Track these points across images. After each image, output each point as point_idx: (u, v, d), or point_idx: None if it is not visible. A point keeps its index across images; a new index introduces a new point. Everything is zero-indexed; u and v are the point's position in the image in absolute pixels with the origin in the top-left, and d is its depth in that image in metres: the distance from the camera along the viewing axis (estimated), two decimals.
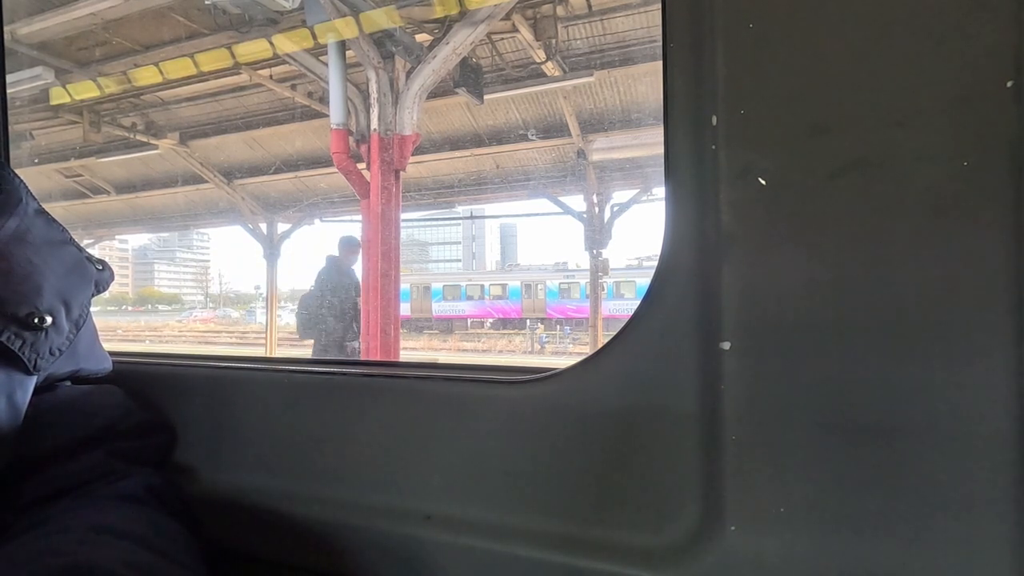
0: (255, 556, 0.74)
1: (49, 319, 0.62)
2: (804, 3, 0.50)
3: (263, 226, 11.81)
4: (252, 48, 6.65)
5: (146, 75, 7.38)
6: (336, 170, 6.44)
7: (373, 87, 6.08)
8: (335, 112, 6.17)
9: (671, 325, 0.55)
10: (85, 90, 7.74)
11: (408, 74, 6.01)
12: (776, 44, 0.51)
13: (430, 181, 10.56)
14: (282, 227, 12.01)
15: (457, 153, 9.39)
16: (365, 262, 6.30)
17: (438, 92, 7.03)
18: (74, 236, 0.70)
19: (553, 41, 6.63)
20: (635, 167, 9.58)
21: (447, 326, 20.10)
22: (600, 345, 0.63)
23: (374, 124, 6.05)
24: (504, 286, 20.39)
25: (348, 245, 6.37)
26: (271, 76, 7.81)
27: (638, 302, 0.58)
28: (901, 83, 0.47)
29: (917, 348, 0.47)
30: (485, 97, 7.37)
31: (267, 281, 12.59)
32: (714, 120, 0.53)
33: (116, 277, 0.75)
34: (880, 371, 0.48)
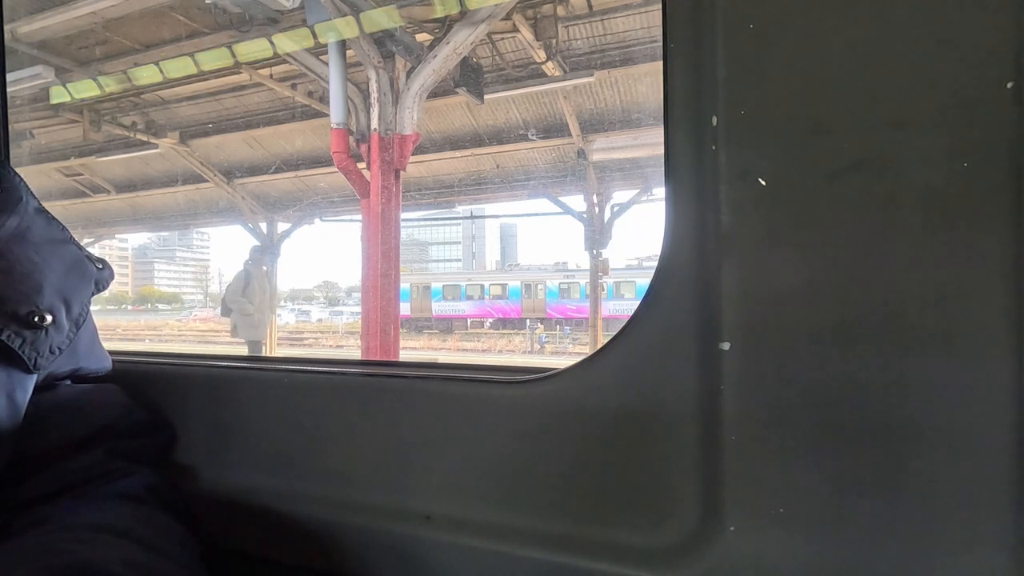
0: (254, 556, 0.74)
1: (49, 318, 0.62)
2: (804, 3, 0.50)
3: (263, 225, 11.81)
4: (252, 47, 6.65)
5: (146, 74, 7.38)
6: (336, 169, 6.45)
7: (373, 86, 6.08)
8: (335, 111, 6.18)
9: (671, 325, 0.55)
10: (85, 89, 7.74)
11: (408, 74, 6.01)
12: (776, 44, 0.51)
13: (430, 181, 10.56)
14: (282, 226, 12.02)
15: (457, 153, 9.39)
16: (365, 261, 6.30)
17: (438, 92, 7.04)
18: (74, 235, 0.70)
19: (553, 41, 6.64)
20: (635, 167, 9.58)
21: (447, 326, 20.10)
22: (600, 345, 0.63)
23: (374, 124, 6.05)
24: (504, 286, 20.39)
25: None
26: (271, 75, 7.81)
27: (638, 302, 0.58)
28: (901, 83, 0.47)
29: (917, 348, 0.47)
30: (485, 97, 7.37)
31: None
32: (714, 120, 0.53)
33: (116, 276, 0.75)
34: (880, 371, 0.48)
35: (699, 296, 0.54)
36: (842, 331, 0.49)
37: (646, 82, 7.62)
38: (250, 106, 9.06)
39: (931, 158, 0.46)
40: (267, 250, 8.11)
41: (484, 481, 0.64)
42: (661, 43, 0.56)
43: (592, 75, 7.16)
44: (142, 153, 10.00)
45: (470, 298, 20.30)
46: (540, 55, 6.74)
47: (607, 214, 10.10)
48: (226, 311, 7.71)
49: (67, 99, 8.00)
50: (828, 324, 0.49)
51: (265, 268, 7.83)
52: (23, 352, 0.61)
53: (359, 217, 7.36)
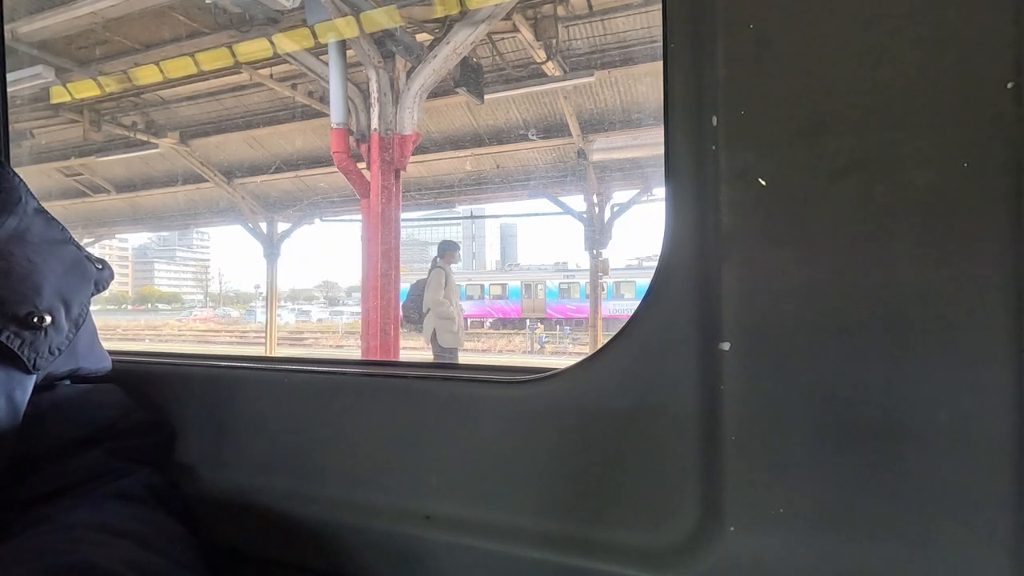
0: (255, 556, 0.74)
1: (48, 318, 0.62)
2: (804, 3, 0.50)
3: (263, 225, 11.82)
4: (253, 47, 6.65)
5: (146, 74, 7.38)
6: (336, 169, 6.44)
7: (373, 86, 6.08)
8: (335, 111, 6.17)
9: (671, 325, 0.55)
10: (85, 89, 7.74)
11: (408, 73, 6.01)
12: (776, 44, 0.51)
13: (430, 181, 10.56)
14: (282, 226, 12.03)
15: (457, 153, 9.39)
16: (365, 261, 6.29)
17: (438, 92, 7.03)
18: (74, 235, 0.70)
19: (553, 41, 6.63)
20: (635, 167, 9.58)
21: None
22: (600, 345, 0.63)
23: (374, 123, 6.05)
24: (504, 286, 20.39)
25: None
26: (271, 75, 7.81)
27: (638, 302, 0.58)
28: (901, 84, 0.47)
29: (917, 348, 0.47)
30: (485, 97, 7.37)
31: (267, 280, 12.60)
32: (714, 120, 0.53)
33: (116, 276, 0.75)
34: (880, 371, 0.48)
35: (699, 296, 0.54)
36: (842, 331, 0.49)
37: (646, 82, 7.62)
38: (250, 106, 9.06)
39: (931, 158, 0.46)
40: (457, 245, 6.84)
41: (484, 481, 0.64)
42: (661, 43, 0.56)
43: (592, 75, 7.15)
44: (142, 153, 10.00)
45: (470, 298, 20.28)
46: (540, 55, 6.74)
47: (607, 214, 10.10)
48: (417, 315, 6.51)
49: (67, 99, 8.00)
50: (828, 324, 0.49)
51: (454, 265, 6.74)
52: (22, 353, 0.61)
53: (359, 217, 7.34)
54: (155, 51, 7.40)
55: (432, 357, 6.59)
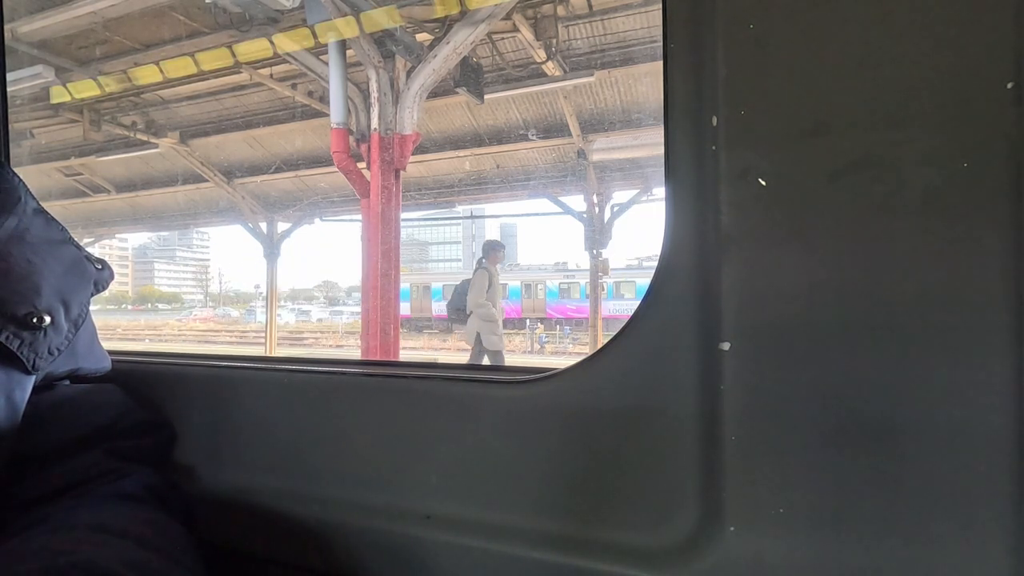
0: (254, 555, 0.74)
1: (48, 319, 0.62)
2: (804, 3, 0.50)
3: (263, 225, 11.82)
4: (252, 47, 6.65)
5: (146, 74, 7.38)
6: (336, 169, 6.44)
7: (373, 86, 6.08)
8: (335, 111, 6.17)
9: (671, 325, 0.55)
10: (85, 89, 7.74)
11: (408, 73, 6.01)
12: (776, 44, 0.51)
13: (430, 181, 10.56)
14: (282, 226, 12.03)
15: (457, 153, 9.39)
16: (365, 261, 6.29)
17: (438, 91, 7.03)
18: (74, 235, 0.70)
19: (553, 41, 6.63)
20: (635, 167, 9.58)
21: (447, 325, 20.10)
22: (600, 345, 0.63)
23: (374, 123, 6.05)
24: (504, 286, 20.40)
25: None
26: (271, 75, 7.81)
27: (638, 302, 0.58)
28: (901, 84, 0.47)
29: (917, 348, 0.47)
30: (485, 97, 7.37)
31: (267, 280, 12.60)
32: (714, 120, 0.53)
33: (116, 276, 0.75)
34: (880, 371, 0.48)
35: (699, 296, 0.54)
36: (842, 331, 0.49)
37: (646, 82, 7.62)
38: (250, 106, 9.06)
39: (931, 158, 0.46)
40: (502, 245, 6.63)
41: (484, 481, 0.64)
42: (661, 43, 0.56)
43: (592, 75, 7.15)
44: (142, 153, 10.00)
45: None
46: (540, 55, 6.74)
47: (607, 214, 10.10)
48: (459, 316, 6.44)
49: (67, 99, 8.00)
50: (828, 324, 0.49)
51: (499, 265, 6.49)
52: (21, 353, 0.61)
53: (359, 217, 7.34)
54: (155, 51, 7.40)
55: (469, 358, 6.39)
